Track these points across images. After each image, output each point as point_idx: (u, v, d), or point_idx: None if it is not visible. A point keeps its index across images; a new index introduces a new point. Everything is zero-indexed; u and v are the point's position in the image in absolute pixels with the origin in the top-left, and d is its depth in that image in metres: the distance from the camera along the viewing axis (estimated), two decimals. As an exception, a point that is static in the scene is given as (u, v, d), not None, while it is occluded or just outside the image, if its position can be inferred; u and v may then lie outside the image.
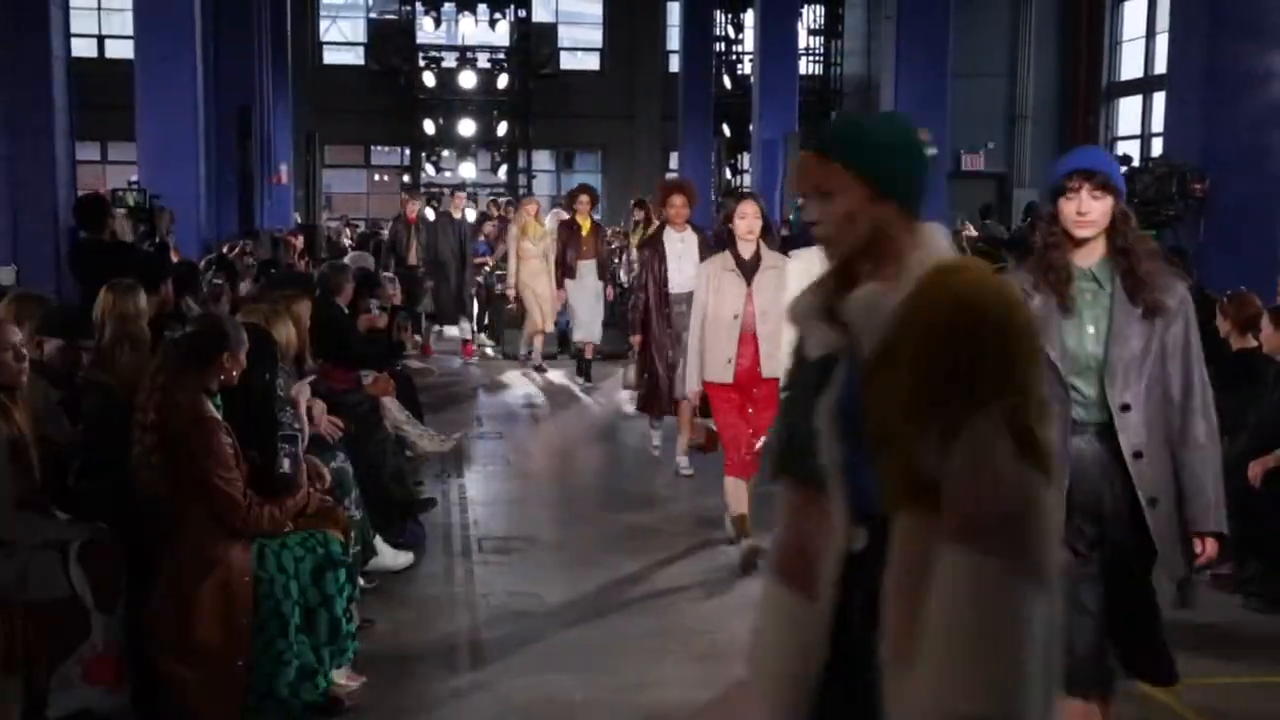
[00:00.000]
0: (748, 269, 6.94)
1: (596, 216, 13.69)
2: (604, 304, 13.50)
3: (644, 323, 9.08)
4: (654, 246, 9.11)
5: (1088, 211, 3.70)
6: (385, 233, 17.46)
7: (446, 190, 27.80)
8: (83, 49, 24.16)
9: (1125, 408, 3.68)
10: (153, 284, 6.96)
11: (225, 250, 12.78)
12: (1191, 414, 3.75)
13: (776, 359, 6.55)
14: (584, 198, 13.20)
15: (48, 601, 4.52)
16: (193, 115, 13.13)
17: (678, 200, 9.18)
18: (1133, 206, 8.43)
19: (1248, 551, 6.57)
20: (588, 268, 13.00)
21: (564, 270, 12.96)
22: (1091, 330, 3.72)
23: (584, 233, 12.96)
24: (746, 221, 6.96)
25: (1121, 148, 23.39)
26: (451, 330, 16.04)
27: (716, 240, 8.50)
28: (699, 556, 7.24)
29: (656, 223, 11.86)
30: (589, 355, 13.30)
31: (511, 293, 13.91)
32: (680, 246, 9.07)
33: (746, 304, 6.87)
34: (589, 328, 13.21)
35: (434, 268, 14.77)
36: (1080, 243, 3.74)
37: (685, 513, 8.17)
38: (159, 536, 4.69)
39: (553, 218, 15.06)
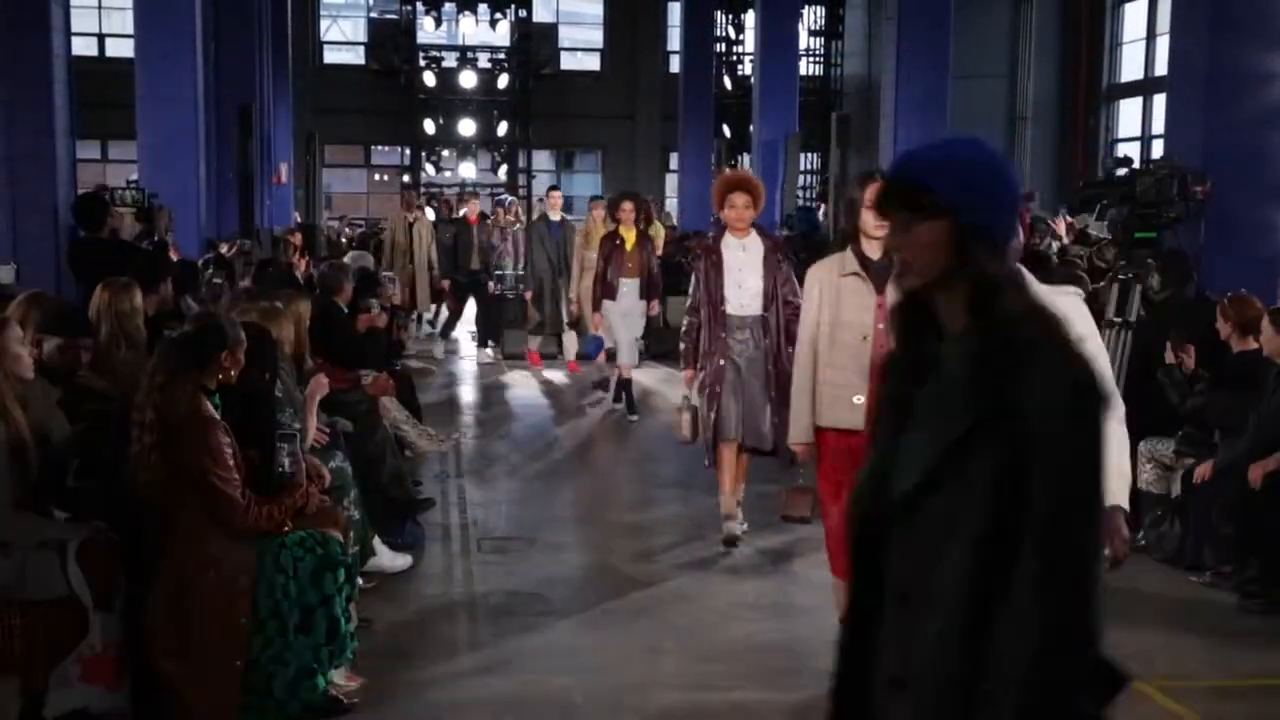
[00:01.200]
0: (878, 274, 5.13)
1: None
2: (645, 323, 12.18)
3: (700, 352, 7.39)
4: (710, 256, 7.38)
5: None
6: (385, 233, 17.39)
7: (451, 190, 27.87)
8: (83, 47, 24.15)
9: None
10: (151, 282, 6.97)
11: (225, 249, 12.77)
12: None
13: None
14: (628, 205, 11.60)
15: (46, 601, 4.52)
16: (193, 114, 13.11)
17: (740, 200, 7.30)
18: (1134, 208, 8.48)
19: (1247, 553, 6.58)
20: (630, 287, 11.51)
21: (604, 289, 11.41)
22: None
23: (628, 246, 11.43)
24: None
25: (1122, 149, 23.39)
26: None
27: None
28: (699, 557, 7.23)
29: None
30: (626, 376, 11.74)
31: (574, 309, 12.87)
32: (742, 256, 7.31)
33: (879, 320, 5.11)
34: (630, 352, 11.74)
35: (532, 277, 13.75)
36: None
37: (685, 513, 8.16)
38: (157, 536, 4.68)
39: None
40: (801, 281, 5.96)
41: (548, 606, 6.38)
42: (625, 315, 11.55)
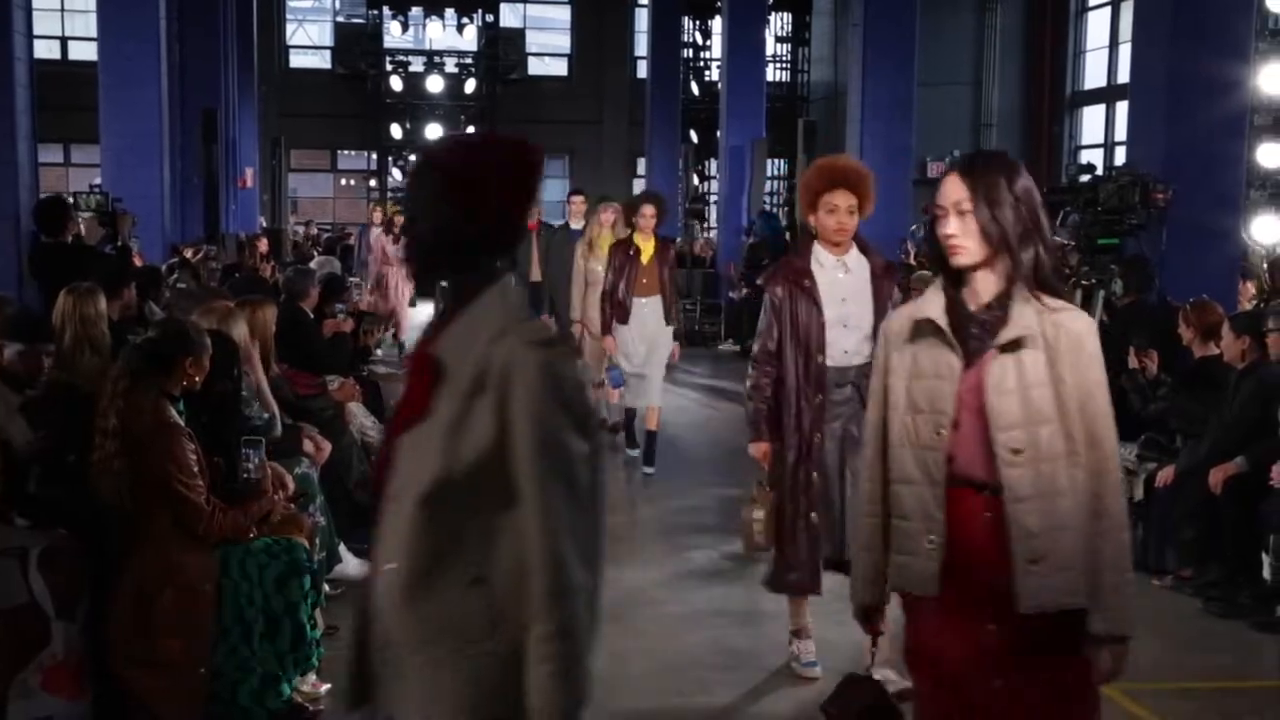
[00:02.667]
0: (972, 331, 3.01)
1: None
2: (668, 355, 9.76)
3: (777, 420, 5.27)
4: (795, 281, 5.21)
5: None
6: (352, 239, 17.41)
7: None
8: (45, 51, 23.98)
9: None
10: (114, 288, 6.92)
11: (189, 254, 12.70)
12: None
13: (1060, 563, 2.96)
14: (649, 209, 9.40)
15: (7, 609, 4.47)
16: (157, 118, 13.04)
17: (841, 201, 5.16)
18: (1096, 215, 8.55)
19: (1208, 556, 6.64)
20: (651, 306, 9.39)
21: (615, 309, 9.34)
22: None
23: (644, 259, 9.35)
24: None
25: (1085, 156, 23.58)
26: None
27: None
28: (667, 562, 7.24)
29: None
30: (652, 426, 9.54)
31: (578, 329, 10.13)
32: (842, 280, 5.22)
33: (963, 403, 2.97)
34: (649, 388, 9.56)
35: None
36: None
37: (654, 517, 8.17)
38: (121, 543, 4.65)
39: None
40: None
41: (514, 612, 6.36)
42: (647, 341, 9.41)
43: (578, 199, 11.94)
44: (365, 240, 16.82)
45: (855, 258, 5.24)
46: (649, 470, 9.41)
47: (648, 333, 9.36)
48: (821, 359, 5.13)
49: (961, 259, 2.97)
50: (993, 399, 2.94)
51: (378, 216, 17.45)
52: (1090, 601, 2.95)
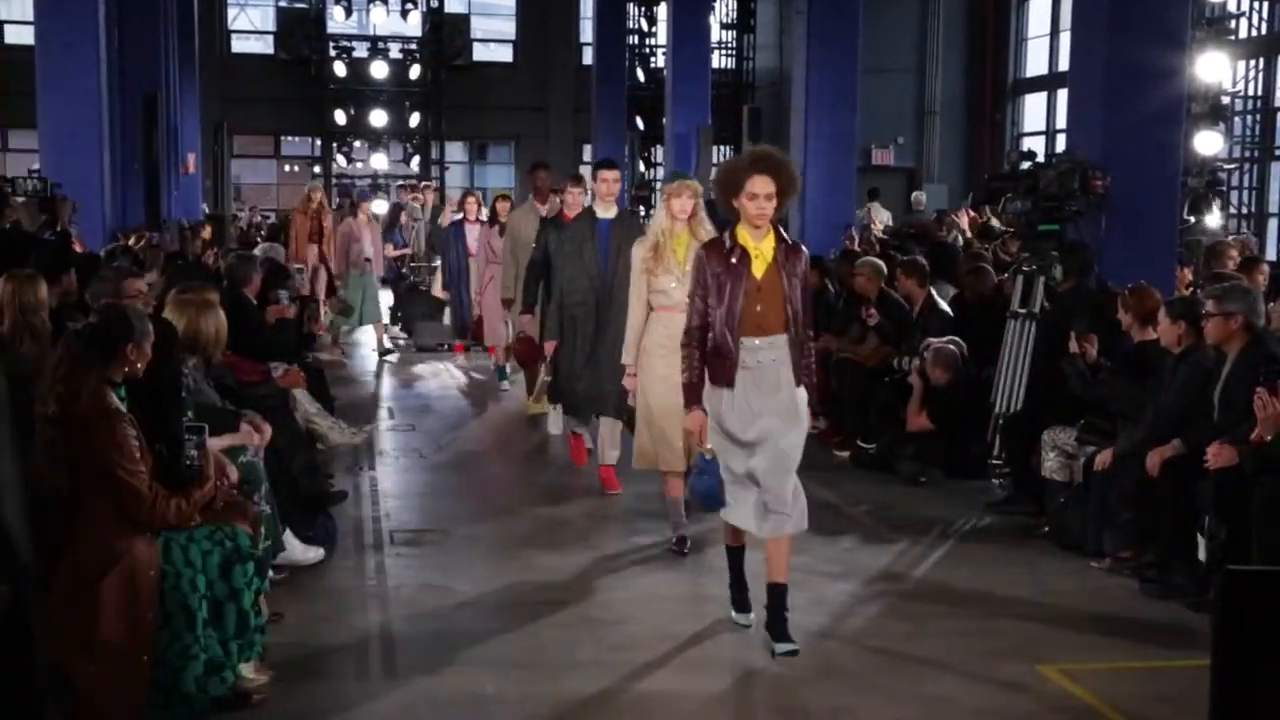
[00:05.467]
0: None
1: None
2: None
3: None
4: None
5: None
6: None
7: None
8: (-19, 34, 23.59)
9: None
10: (54, 274, 6.84)
11: (131, 241, 12.56)
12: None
13: None
14: (761, 181, 5.47)
15: (-55, 598, 4.43)
16: (96, 103, 12.90)
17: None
18: (1036, 202, 8.64)
19: (1146, 538, 6.74)
20: (772, 352, 5.57)
21: (707, 363, 5.75)
22: None
23: (758, 269, 5.55)
24: None
25: (1027, 144, 23.81)
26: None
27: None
28: (611, 549, 7.25)
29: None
30: (779, 577, 5.65)
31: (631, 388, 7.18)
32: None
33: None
34: (779, 504, 5.60)
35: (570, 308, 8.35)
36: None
37: (598, 506, 8.19)
38: (61, 530, 4.61)
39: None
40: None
41: (460, 599, 6.37)
42: (765, 415, 5.56)
43: (609, 174, 8.30)
44: (458, 239, 13.64)
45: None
46: (785, 649, 5.54)
47: (766, 402, 5.53)
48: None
49: None
50: None
51: (472, 207, 13.88)
52: None
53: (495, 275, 11.83)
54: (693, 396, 5.61)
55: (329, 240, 14.97)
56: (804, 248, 5.75)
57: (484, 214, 13.65)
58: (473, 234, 13.32)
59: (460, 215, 14.00)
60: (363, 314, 14.89)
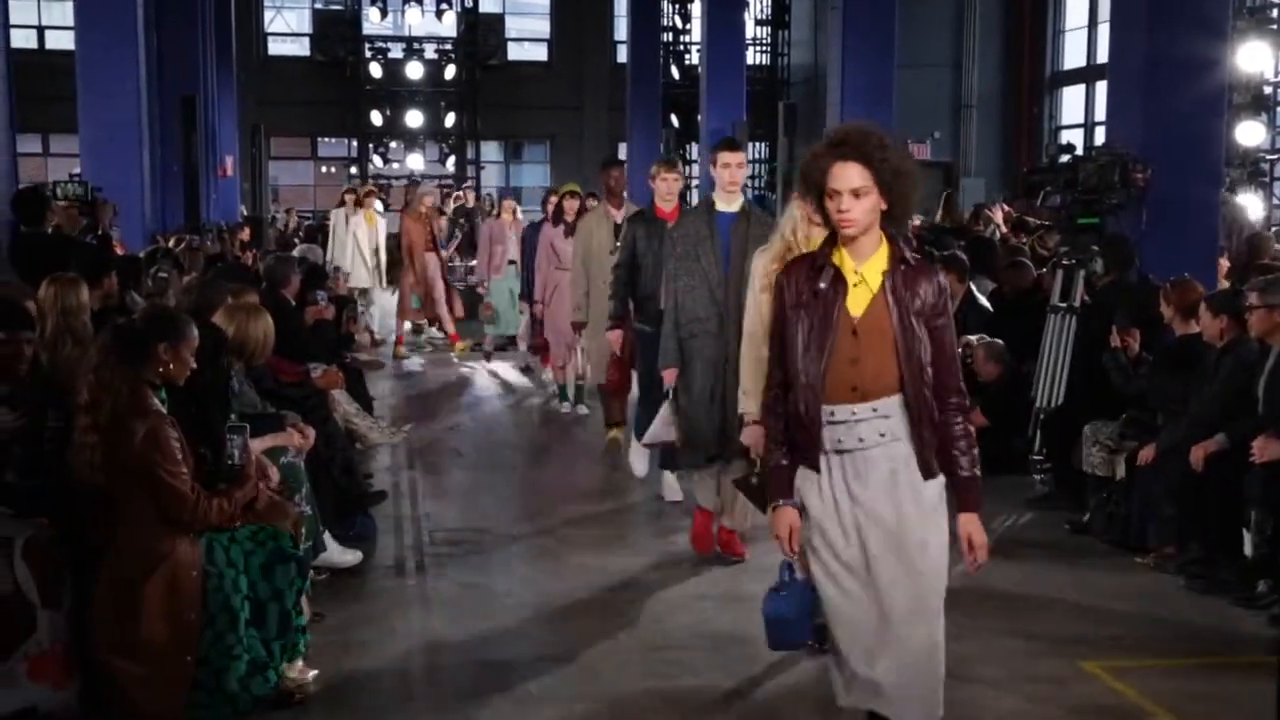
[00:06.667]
0: None
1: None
2: None
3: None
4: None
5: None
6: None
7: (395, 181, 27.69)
8: (22, 40, 23.83)
9: None
10: (95, 277, 6.90)
11: (171, 244, 12.64)
12: None
13: None
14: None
15: (-9, 599, 4.47)
16: (135, 106, 13.00)
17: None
18: (1076, 195, 8.56)
19: (1190, 534, 6.67)
20: (870, 425, 4.03)
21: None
22: None
23: (852, 303, 4.01)
24: None
25: (1065, 136, 23.62)
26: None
27: None
28: (650, 547, 7.25)
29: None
30: None
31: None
32: None
33: None
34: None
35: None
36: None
37: (637, 504, 8.18)
38: (103, 531, 4.64)
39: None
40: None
41: (499, 598, 6.38)
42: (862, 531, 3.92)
43: (730, 156, 6.75)
44: (531, 239, 12.18)
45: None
46: None
47: (875, 503, 3.87)
48: None
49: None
50: None
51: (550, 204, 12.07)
52: None
53: (560, 284, 10.52)
54: (780, 486, 3.92)
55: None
56: (939, 272, 3.97)
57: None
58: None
59: (542, 217, 12.31)
60: (506, 320, 13.90)
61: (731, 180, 6.63)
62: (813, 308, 3.81)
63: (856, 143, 3.76)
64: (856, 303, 3.79)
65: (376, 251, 15.89)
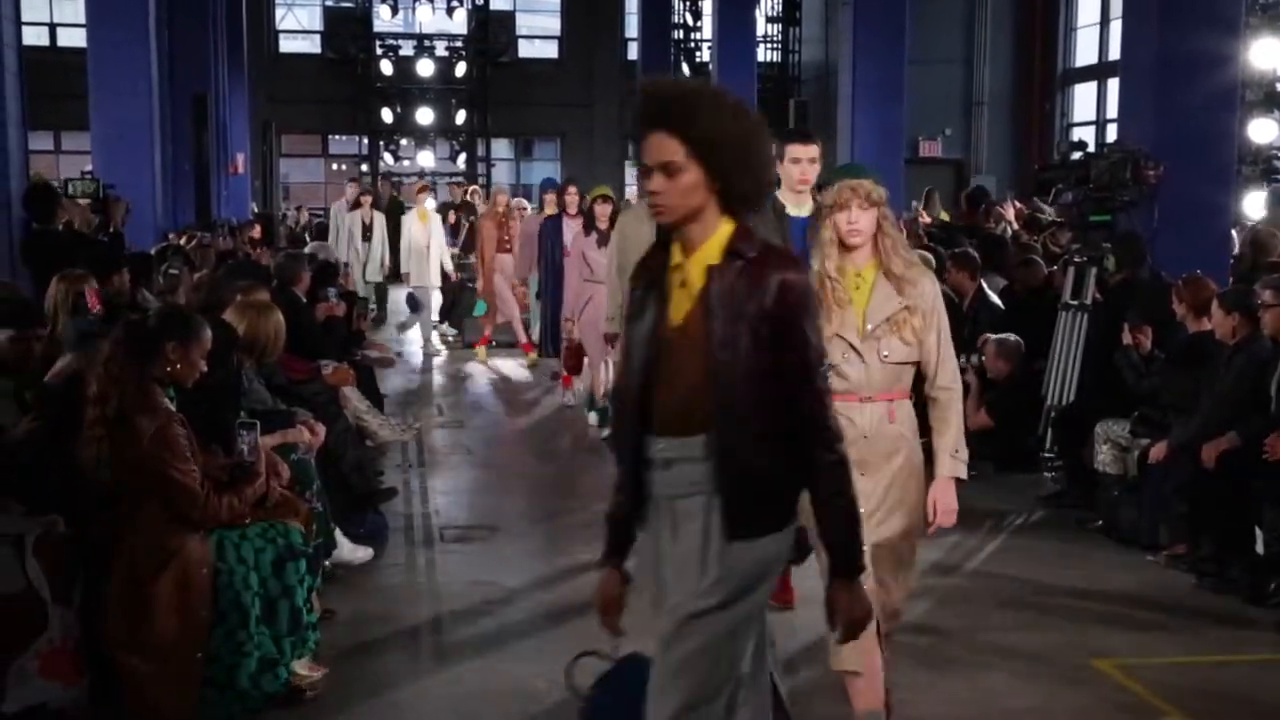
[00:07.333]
0: None
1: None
2: None
3: None
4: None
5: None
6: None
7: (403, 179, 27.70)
8: (34, 37, 23.87)
9: None
10: (106, 274, 6.92)
11: (182, 241, 12.67)
12: None
13: None
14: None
15: (4, 595, 4.48)
16: (147, 104, 13.02)
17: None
18: (1087, 192, 8.54)
19: (1202, 531, 6.66)
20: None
21: None
22: None
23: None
24: None
25: (1077, 134, 23.55)
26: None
27: None
28: (660, 543, 7.24)
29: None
30: None
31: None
32: None
33: None
34: None
35: None
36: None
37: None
38: (114, 527, 4.65)
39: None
40: None
41: (510, 595, 6.39)
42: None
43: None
44: (555, 237, 11.51)
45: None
46: None
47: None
48: None
49: None
50: None
51: (572, 201, 11.67)
52: None
53: (594, 296, 9.56)
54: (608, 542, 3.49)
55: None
56: (798, 264, 3.03)
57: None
58: (570, 230, 11.02)
59: (556, 210, 11.86)
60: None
61: (802, 178, 5.57)
62: (638, 313, 3.07)
63: (659, 108, 2.96)
64: (678, 307, 2.99)
65: (428, 248, 14.78)
